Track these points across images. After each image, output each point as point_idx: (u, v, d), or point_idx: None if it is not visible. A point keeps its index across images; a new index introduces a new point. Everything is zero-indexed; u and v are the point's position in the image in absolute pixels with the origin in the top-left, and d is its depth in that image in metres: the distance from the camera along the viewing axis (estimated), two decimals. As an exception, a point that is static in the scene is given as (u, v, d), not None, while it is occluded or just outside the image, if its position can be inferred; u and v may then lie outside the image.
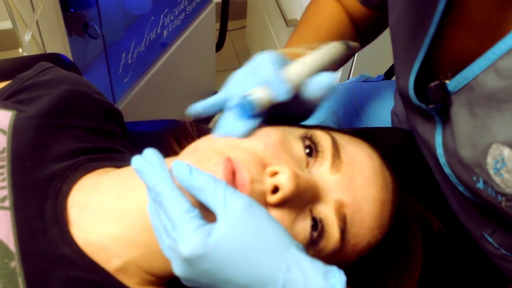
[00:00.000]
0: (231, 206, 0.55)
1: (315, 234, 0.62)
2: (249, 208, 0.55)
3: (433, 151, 0.75)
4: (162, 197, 0.56)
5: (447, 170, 0.73)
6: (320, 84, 0.67)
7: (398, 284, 0.71)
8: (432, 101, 0.69)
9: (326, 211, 0.63)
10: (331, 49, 0.73)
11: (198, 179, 0.56)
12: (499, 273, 0.87)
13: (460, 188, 0.74)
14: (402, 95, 0.80)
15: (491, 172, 0.63)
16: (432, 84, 0.69)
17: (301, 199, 0.61)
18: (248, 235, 0.54)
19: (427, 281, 0.75)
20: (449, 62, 0.70)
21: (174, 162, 0.58)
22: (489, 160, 0.63)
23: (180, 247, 0.54)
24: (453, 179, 0.73)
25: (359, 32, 0.96)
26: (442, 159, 0.74)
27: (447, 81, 0.68)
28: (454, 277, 0.88)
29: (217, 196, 0.55)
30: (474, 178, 0.67)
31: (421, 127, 0.78)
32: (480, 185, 0.67)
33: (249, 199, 0.56)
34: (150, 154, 0.59)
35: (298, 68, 0.68)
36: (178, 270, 0.57)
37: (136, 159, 0.59)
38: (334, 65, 0.73)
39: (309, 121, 0.75)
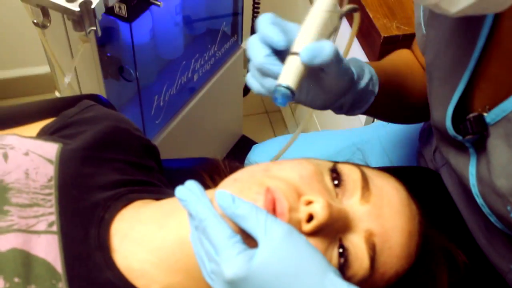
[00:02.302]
0: (272, 233, 0.58)
1: (341, 260, 0.65)
2: (289, 235, 0.58)
3: (466, 182, 0.77)
4: (205, 223, 0.60)
5: (479, 200, 0.75)
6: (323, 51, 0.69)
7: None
8: (470, 132, 0.72)
9: (357, 240, 0.66)
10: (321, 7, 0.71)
11: (241, 207, 0.59)
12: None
13: (492, 218, 0.75)
14: (436, 127, 0.83)
15: None
16: (471, 115, 0.72)
17: (333, 228, 0.64)
18: (289, 259, 0.57)
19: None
20: (486, 96, 0.73)
21: (217, 191, 0.61)
22: None
23: (224, 270, 0.57)
24: (485, 209, 0.75)
25: None
26: (475, 190, 0.76)
27: (485, 114, 0.71)
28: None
29: (259, 223, 0.58)
30: (509, 208, 0.69)
31: (454, 159, 0.80)
32: None
33: (289, 226, 0.59)
34: (192, 184, 0.63)
35: (303, 39, 0.69)
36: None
37: (179, 189, 0.63)
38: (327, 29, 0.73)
39: (338, 159, 0.79)
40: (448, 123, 0.76)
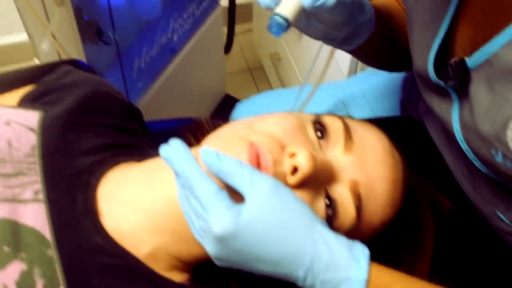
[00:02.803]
0: (258, 187, 0.58)
1: (329, 211, 0.65)
2: (275, 188, 0.59)
3: (449, 128, 0.77)
4: (191, 182, 0.60)
5: (463, 145, 0.75)
6: None
7: (412, 262, 0.74)
8: (452, 77, 0.72)
9: (342, 191, 0.66)
10: None
11: (226, 163, 0.60)
12: (511, 251, 0.89)
13: (477, 163, 0.76)
14: (419, 74, 0.83)
15: (511, 144, 0.65)
16: (453, 60, 0.72)
17: (318, 180, 0.65)
18: (276, 213, 0.58)
19: (439, 260, 0.78)
20: (468, 40, 0.73)
21: (202, 149, 0.61)
22: (509, 133, 0.65)
23: (213, 226, 0.58)
24: (470, 154, 0.75)
25: None
26: (459, 135, 0.76)
27: (466, 58, 0.71)
28: (466, 256, 0.90)
29: (244, 178, 0.59)
30: (493, 152, 0.69)
31: (437, 105, 0.80)
32: (499, 158, 0.69)
33: (275, 180, 0.60)
34: (177, 143, 0.63)
35: None
36: (211, 249, 0.60)
37: (164, 148, 0.63)
38: None
39: (319, 111, 0.79)
40: (430, 69, 0.76)
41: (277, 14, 0.68)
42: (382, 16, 0.87)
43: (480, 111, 0.69)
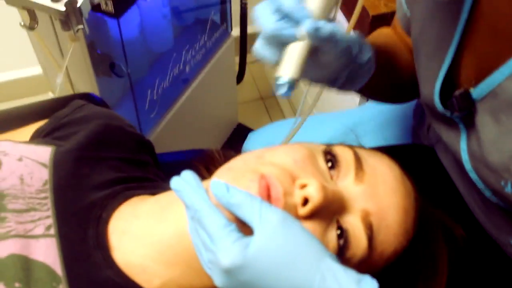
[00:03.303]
0: (267, 219, 0.58)
1: (341, 242, 0.65)
2: (284, 221, 0.59)
3: (458, 158, 0.77)
4: (200, 214, 0.60)
5: (473, 175, 0.75)
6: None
7: (426, 290, 0.74)
8: (457, 109, 0.72)
9: (353, 221, 0.66)
10: None
11: (235, 196, 0.60)
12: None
13: (487, 193, 0.75)
14: (426, 104, 0.83)
15: None
16: (457, 92, 0.72)
17: (329, 210, 0.65)
18: (284, 246, 0.58)
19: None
20: (472, 71, 0.73)
21: (212, 181, 0.62)
22: None
23: (220, 258, 0.58)
24: (480, 184, 0.75)
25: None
26: (467, 165, 0.76)
27: (471, 89, 0.71)
28: (481, 284, 0.89)
29: (254, 211, 0.59)
30: (502, 183, 0.69)
31: (446, 134, 0.80)
32: (508, 189, 0.68)
33: (283, 213, 0.60)
34: (188, 175, 0.64)
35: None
36: (219, 282, 0.60)
37: (175, 180, 0.63)
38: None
39: (330, 140, 0.79)
40: (436, 100, 0.76)
41: (282, 78, 0.67)
42: (383, 53, 0.87)
43: (487, 142, 0.69)
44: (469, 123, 0.73)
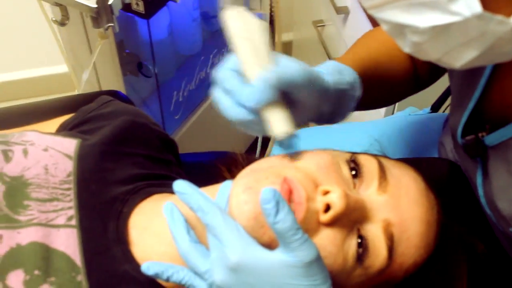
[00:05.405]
0: (302, 252, 0.58)
1: (360, 250, 0.65)
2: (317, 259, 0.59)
3: (474, 189, 0.76)
4: (209, 215, 0.62)
5: (487, 210, 0.74)
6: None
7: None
8: (469, 153, 0.72)
9: (374, 230, 0.66)
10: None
11: (283, 220, 0.58)
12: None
13: (500, 227, 0.74)
14: (451, 129, 0.82)
15: None
16: (468, 138, 0.71)
17: (350, 219, 0.64)
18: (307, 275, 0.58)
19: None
20: (498, 112, 0.72)
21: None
22: None
23: (229, 254, 0.59)
24: (493, 219, 0.74)
25: (415, 69, 0.92)
26: (482, 200, 0.75)
27: (484, 134, 0.70)
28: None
29: (296, 237, 0.58)
30: (511, 230, 0.68)
31: (465, 163, 0.79)
32: None
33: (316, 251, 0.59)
34: (182, 183, 0.65)
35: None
36: (220, 276, 0.60)
37: (178, 183, 0.64)
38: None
39: (355, 150, 0.78)
40: (459, 131, 0.75)
41: (279, 136, 0.65)
42: (370, 70, 0.82)
43: (497, 189, 0.68)
44: (485, 164, 0.72)
